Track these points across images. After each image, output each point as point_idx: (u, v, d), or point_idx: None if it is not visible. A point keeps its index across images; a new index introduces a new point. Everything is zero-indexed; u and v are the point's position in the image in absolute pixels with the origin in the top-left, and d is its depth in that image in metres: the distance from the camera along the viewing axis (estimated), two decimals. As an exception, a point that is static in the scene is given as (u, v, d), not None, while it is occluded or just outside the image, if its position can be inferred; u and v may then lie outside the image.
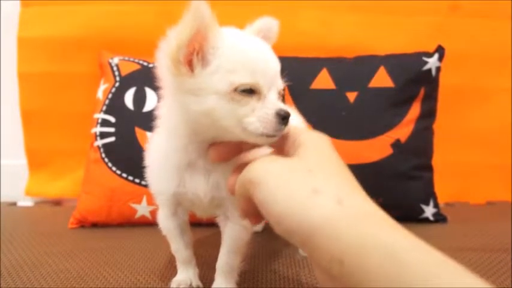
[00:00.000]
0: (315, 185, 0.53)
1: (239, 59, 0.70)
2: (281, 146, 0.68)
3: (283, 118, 0.68)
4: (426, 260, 0.45)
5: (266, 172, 0.57)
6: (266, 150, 0.72)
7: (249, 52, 0.71)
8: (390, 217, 0.52)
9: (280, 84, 0.75)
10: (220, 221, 0.91)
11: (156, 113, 0.86)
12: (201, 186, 0.82)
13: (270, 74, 0.71)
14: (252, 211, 0.61)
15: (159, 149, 0.86)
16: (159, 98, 0.84)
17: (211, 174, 0.82)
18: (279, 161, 0.60)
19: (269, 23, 0.81)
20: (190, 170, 0.82)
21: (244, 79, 0.68)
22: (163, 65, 0.73)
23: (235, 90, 0.68)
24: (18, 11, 1.87)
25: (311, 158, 0.59)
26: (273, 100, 0.70)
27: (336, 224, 0.49)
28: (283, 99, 0.76)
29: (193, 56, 0.69)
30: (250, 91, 0.69)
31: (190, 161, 0.81)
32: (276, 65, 0.74)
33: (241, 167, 0.63)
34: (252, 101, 0.69)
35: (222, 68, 0.69)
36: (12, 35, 1.86)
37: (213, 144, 0.76)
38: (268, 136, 0.68)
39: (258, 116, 0.68)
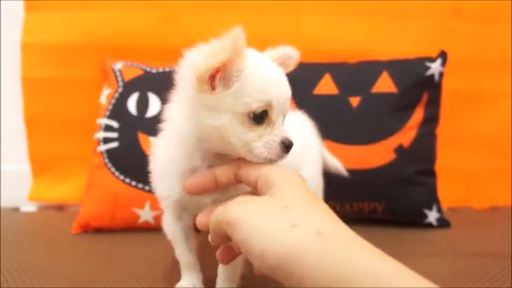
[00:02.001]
0: (292, 220, 0.55)
1: (259, 85, 0.71)
2: (254, 185, 0.70)
3: (286, 147, 0.73)
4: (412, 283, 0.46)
5: (243, 213, 0.58)
6: (242, 188, 0.76)
7: (268, 79, 0.73)
8: (372, 245, 0.54)
9: (288, 109, 0.78)
10: None
11: (163, 115, 0.86)
12: None
13: (282, 101, 0.74)
14: (224, 243, 0.68)
15: (165, 154, 0.86)
16: (164, 101, 0.84)
17: None
18: (255, 201, 0.62)
19: (291, 52, 0.84)
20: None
21: (260, 104, 0.71)
22: (185, 77, 0.73)
23: (249, 114, 0.71)
24: (21, 16, 1.87)
25: (285, 195, 0.61)
26: (279, 127, 0.74)
27: (318, 253, 0.51)
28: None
29: (217, 75, 0.70)
30: (261, 117, 0.72)
31: (194, 167, 0.82)
32: (288, 93, 0.77)
33: (213, 207, 0.69)
34: (261, 129, 0.72)
35: (242, 91, 0.70)
36: (15, 41, 1.87)
37: (190, 177, 0.79)
38: (271, 160, 0.73)
39: (264, 142, 0.72)
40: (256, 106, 0.71)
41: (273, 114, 0.73)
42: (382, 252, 0.52)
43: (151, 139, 1.50)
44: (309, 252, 0.51)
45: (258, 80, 0.72)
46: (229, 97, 0.70)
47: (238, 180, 0.74)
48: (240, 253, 0.68)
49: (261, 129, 0.72)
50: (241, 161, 0.74)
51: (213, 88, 0.70)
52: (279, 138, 0.73)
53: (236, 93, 0.70)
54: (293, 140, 0.74)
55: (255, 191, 0.70)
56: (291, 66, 0.85)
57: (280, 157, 0.73)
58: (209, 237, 0.68)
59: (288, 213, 0.57)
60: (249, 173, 0.71)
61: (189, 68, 0.71)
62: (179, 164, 0.82)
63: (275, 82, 0.74)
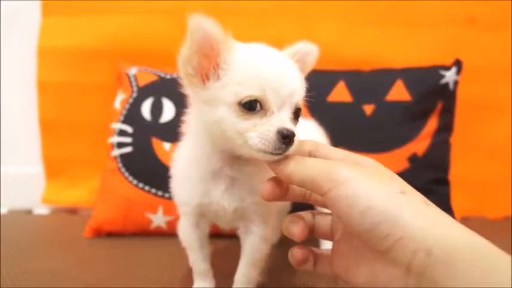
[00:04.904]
0: (401, 188, 0.57)
1: (249, 73, 0.70)
2: None
3: (284, 137, 0.65)
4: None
5: (352, 173, 0.58)
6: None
7: (261, 67, 0.70)
8: None
9: (296, 103, 0.72)
10: (241, 233, 0.91)
11: (184, 119, 0.86)
12: (225, 197, 0.83)
13: (283, 91, 0.69)
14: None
15: (185, 158, 0.87)
16: (179, 106, 0.85)
17: (236, 184, 0.83)
18: (362, 168, 0.62)
19: (308, 47, 0.81)
20: (215, 180, 0.83)
21: (250, 92, 0.68)
22: (180, 75, 0.75)
23: (240, 102, 0.68)
24: (38, 20, 1.90)
25: (385, 171, 0.62)
26: (279, 118, 0.68)
27: (426, 218, 0.53)
28: (297, 116, 0.74)
29: (210, 70, 0.71)
30: (255, 106, 0.68)
31: (214, 170, 0.82)
32: (292, 84, 0.72)
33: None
34: (255, 117, 0.68)
35: (231, 81, 0.69)
36: (32, 45, 1.89)
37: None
38: (269, 153, 0.66)
39: (259, 132, 0.67)
40: (245, 95, 0.68)
41: (269, 104, 0.68)
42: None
43: (165, 144, 1.51)
44: (418, 217, 0.53)
45: (249, 69, 0.70)
46: (220, 89, 0.70)
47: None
48: (283, 196, 0.69)
49: (255, 119, 0.68)
50: (318, 142, 0.69)
51: (204, 82, 0.71)
52: (275, 128, 0.66)
53: (226, 84, 0.69)
54: (295, 131, 0.67)
55: None
56: (311, 63, 0.82)
57: (278, 149, 0.65)
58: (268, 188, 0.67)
59: (395, 182, 0.59)
60: (331, 156, 0.66)
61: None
62: (200, 167, 0.82)
63: (271, 72, 0.70)
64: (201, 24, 0.67)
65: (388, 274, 0.55)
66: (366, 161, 0.64)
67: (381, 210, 0.54)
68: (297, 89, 0.73)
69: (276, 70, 0.71)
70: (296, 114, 0.73)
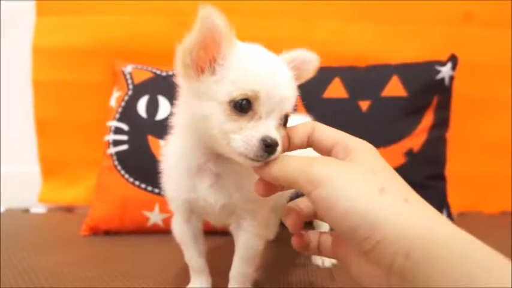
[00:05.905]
0: (381, 185, 0.56)
1: (245, 73, 0.69)
2: (327, 150, 0.67)
3: (267, 145, 0.65)
4: (494, 262, 0.47)
5: (332, 172, 0.58)
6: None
7: (257, 70, 0.69)
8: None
9: (285, 110, 0.72)
10: (233, 229, 0.91)
11: (172, 111, 0.85)
12: (211, 192, 0.82)
13: (274, 98, 0.69)
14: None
15: (173, 151, 0.86)
16: (174, 100, 0.84)
17: (220, 180, 0.82)
18: (342, 164, 0.61)
19: (306, 55, 0.79)
20: (200, 175, 0.82)
21: (243, 93, 0.67)
22: (176, 65, 0.73)
23: (231, 102, 0.67)
24: (33, 20, 1.89)
25: (369, 161, 0.61)
26: (265, 125, 0.68)
27: (404, 219, 0.52)
28: (285, 124, 0.73)
29: (206, 63, 0.70)
30: (246, 108, 0.68)
31: (199, 165, 0.81)
32: (284, 92, 0.71)
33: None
34: (243, 120, 0.68)
35: (226, 79, 0.69)
36: (27, 44, 1.89)
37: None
38: (249, 158, 0.67)
39: (243, 135, 0.67)
40: (236, 94, 0.67)
41: (259, 108, 0.68)
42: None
43: (161, 142, 1.51)
44: (396, 218, 0.52)
45: (245, 69, 0.69)
46: (214, 84, 0.69)
47: (309, 144, 0.69)
48: (279, 190, 0.69)
49: (243, 122, 0.67)
50: (316, 123, 0.69)
51: (198, 74, 0.70)
52: (260, 135, 0.66)
53: (220, 80, 0.69)
54: (279, 140, 0.67)
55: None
56: (309, 71, 0.80)
57: (260, 157, 0.65)
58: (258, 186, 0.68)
59: (376, 177, 0.58)
60: (325, 138, 0.66)
61: (177, 55, 0.72)
62: (186, 160, 0.82)
63: (266, 75, 0.69)
64: (211, 16, 0.66)
65: (372, 272, 0.55)
66: (356, 144, 0.64)
67: (360, 214, 0.53)
68: (288, 98, 0.72)
69: (270, 76, 0.70)
70: (284, 120, 0.73)
